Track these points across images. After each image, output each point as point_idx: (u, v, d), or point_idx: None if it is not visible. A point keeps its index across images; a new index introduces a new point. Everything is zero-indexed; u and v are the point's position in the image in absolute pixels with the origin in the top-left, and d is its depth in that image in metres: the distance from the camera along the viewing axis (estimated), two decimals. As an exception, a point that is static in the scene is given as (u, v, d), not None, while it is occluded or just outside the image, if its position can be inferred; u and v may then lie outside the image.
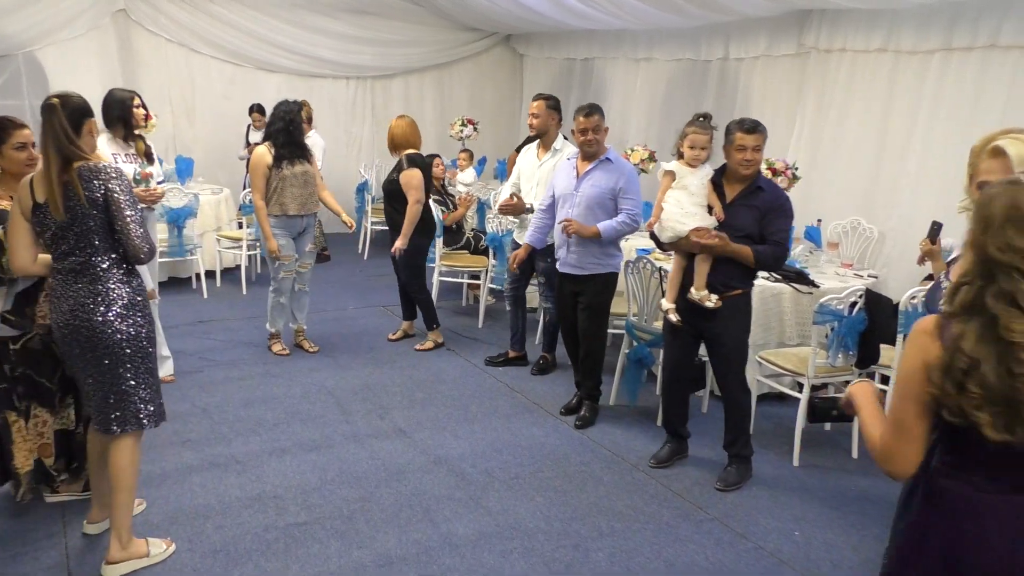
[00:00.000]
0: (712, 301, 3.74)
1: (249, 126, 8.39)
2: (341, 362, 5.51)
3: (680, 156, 3.82)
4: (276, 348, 5.60)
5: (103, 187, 2.85)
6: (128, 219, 2.88)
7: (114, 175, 2.89)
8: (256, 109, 8.17)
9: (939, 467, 1.78)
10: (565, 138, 5.18)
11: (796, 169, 5.53)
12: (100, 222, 2.87)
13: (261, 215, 5.31)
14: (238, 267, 7.32)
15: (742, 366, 3.95)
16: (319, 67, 9.41)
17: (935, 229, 3.91)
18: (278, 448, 4.19)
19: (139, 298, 3.00)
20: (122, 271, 2.97)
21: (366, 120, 9.92)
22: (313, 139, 7.76)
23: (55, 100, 2.83)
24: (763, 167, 5.10)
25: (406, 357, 5.67)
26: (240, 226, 7.40)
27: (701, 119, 3.82)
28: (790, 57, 6.61)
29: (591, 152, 4.45)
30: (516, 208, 5.13)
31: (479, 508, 3.68)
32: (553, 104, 5.13)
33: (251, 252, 7.33)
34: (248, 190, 6.25)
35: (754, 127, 3.66)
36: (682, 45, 7.75)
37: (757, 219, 3.67)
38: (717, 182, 3.79)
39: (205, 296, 6.93)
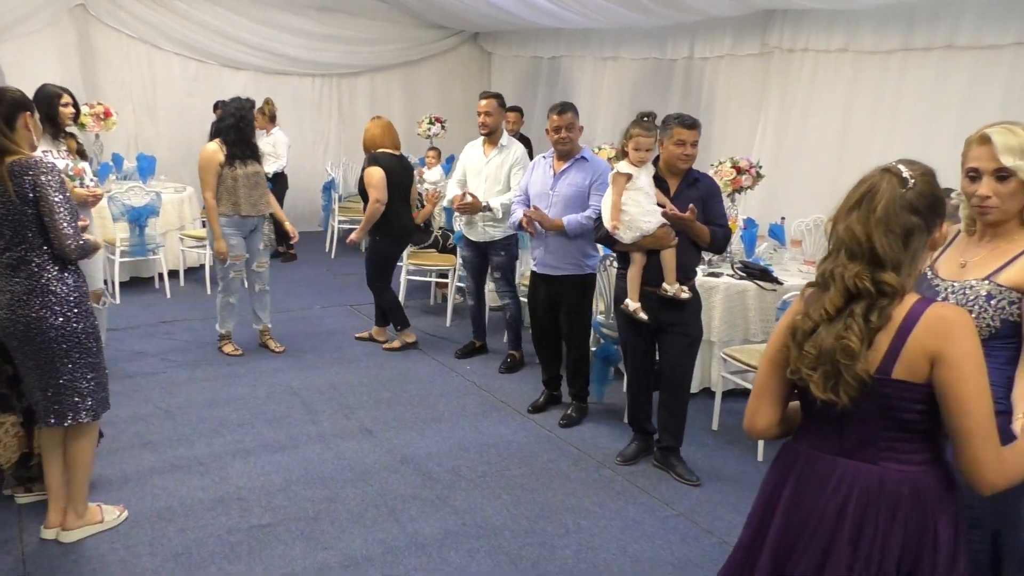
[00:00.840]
0: (686, 292, 3.82)
1: (213, 123, 8.26)
2: (307, 362, 5.46)
3: (625, 155, 3.83)
4: (227, 349, 5.53)
5: (33, 181, 2.86)
6: (57, 215, 2.89)
7: (45, 170, 2.89)
8: (221, 107, 8.05)
9: (797, 432, 1.91)
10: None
11: (760, 167, 5.58)
12: (32, 217, 2.89)
13: (212, 214, 5.23)
14: (202, 267, 7.23)
15: (693, 360, 4.09)
16: (285, 64, 9.31)
17: None
18: (242, 449, 4.14)
19: (76, 294, 3.03)
20: (58, 267, 2.99)
21: (332, 118, 9.84)
22: (277, 136, 7.71)
23: None
24: (728, 165, 5.18)
25: (373, 357, 5.63)
26: (203, 225, 7.29)
27: (645, 119, 3.83)
28: (754, 56, 6.69)
29: (565, 151, 4.43)
30: (474, 207, 5.10)
31: (446, 507, 3.67)
32: (502, 102, 5.20)
33: (219, 257, 7.20)
34: None
35: (693, 123, 3.77)
36: (648, 44, 7.80)
37: (699, 209, 3.75)
38: (658, 177, 3.84)
39: (168, 296, 6.83)
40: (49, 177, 2.88)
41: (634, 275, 3.93)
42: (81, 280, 3.08)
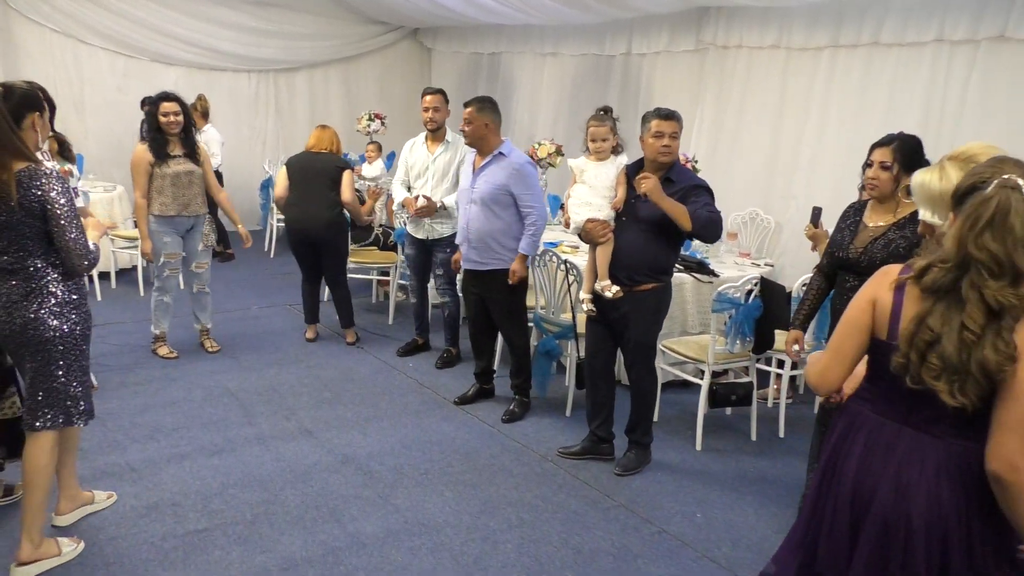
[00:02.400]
0: (611, 292, 3.79)
1: (143, 122, 8.02)
2: (245, 363, 5.36)
3: (586, 150, 3.88)
4: (162, 352, 5.39)
5: (42, 197, 2.76)
6: (68, 234, 2.81)
7: (55, 184, 2.79)
8: (150, 103, 7.82)
9: (857, 392, 2.03)
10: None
11: (696, 162, 5.69)
12: (36, 229, 2.81)
13: (140, 213, 5.13)
14: (134, 268, 7.03)
15: (648, 359, 3.99)
16: (219, 60, 9.10)
17: (816, 214, 4.09)
18: (177, 454, 4.04)
19: (75, 296, 2.97)
20: (58, 272, 2.92)
21: (270, 115, 9.66)
22: (209, 134, 7.52)
23: None
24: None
25: (314, 356, 5.55)
26: (135, 225, 7.09)
27: (602, 112, 3.87)
28: (690, 53, 6.79)
29: (475, 145, 4.47)
30: (431, 209, 5.04)
31: (387, 506, 3.64)
32: (446, 97, 5.15)
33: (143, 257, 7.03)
34: None
35: (670, 114, 3.70)
36: (587, 40, 7.85)
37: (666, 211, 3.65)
38: (631, 174, 3.79)
39: (99, 298, 6.62)
40: (59, 192, 2.79)
41: (587, 266, 3.96)
42: (80, 283, 3.02)
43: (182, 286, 5.61)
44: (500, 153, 4.42)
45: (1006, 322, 1.71)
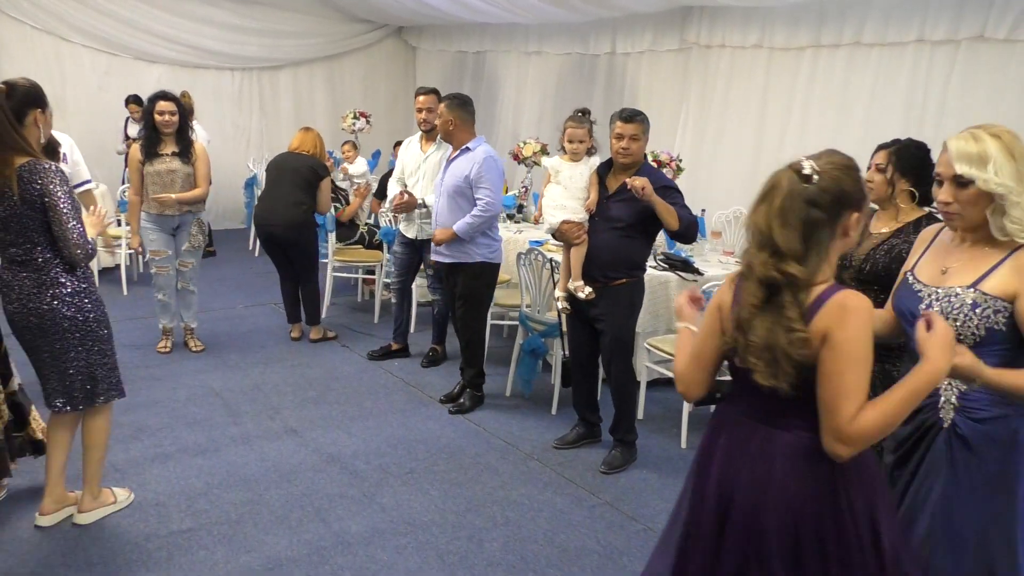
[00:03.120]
0: (584, 293, 3.83)
1: (128, 119, 8.00)
2: (230, 362, 5.34)
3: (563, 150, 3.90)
4: (159, 346, 5.46)
5: (42, 189, 2.87)
6: (68, 226, 2.92)
7: (55, 178, 2.90)
8: (133, 100, 7.80)
9: (728, 395, 2.04)
10: None
11: (681, 161, 5.71)
12: (38, 221, 2.93)
13: (132, 210, 5.23)
14: (118, 267, 6.98)
15: (625, 354, 4.02)
16: (203, 58, 9.06)
17: None
18: (161, 454, 4.02)
19: (84, 284, 3.08)
20: (63, 263, 3.03)
21: (254, 113, 9.62)
22: (195, 131, 7.46)
23: (1, 87, 2.83)
24: (649, 158, 5.25)
25: (299, 355, 5.54)
26: (119, 224, 7.05)
27: (580, 114, 3.89)
28: (673, 52, 6.83)
29: (445, 140, 4.59)
30: (409, 205, 5.07)
31: (373, 505, 3.64)
32: (440, 97, 5.12)
33: (131, 251, 6.98)
34: (126, 186, 6.00)
35: (631, 116, 3.71)
36: (572, 39, 7.88)
37: (638, 211, 3.70)
38: (602, 175, 3.85)
39: (82, 298, 6.56)
40: (59, 185, 2.90)
41: (563, 266, 3.99)
42: (88, 271, 3.15)
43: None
44: (467, 148, 4.47)
45: (785, 298, 1.75)
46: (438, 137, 5.10)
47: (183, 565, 3.12)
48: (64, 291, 3.02)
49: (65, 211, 2.91)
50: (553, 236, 3.97)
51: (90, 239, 3.05)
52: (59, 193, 2.90)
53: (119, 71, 8.57)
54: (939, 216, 2.96)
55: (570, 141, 3.82)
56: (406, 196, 5.05)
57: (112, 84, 8.47)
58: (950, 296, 2.09)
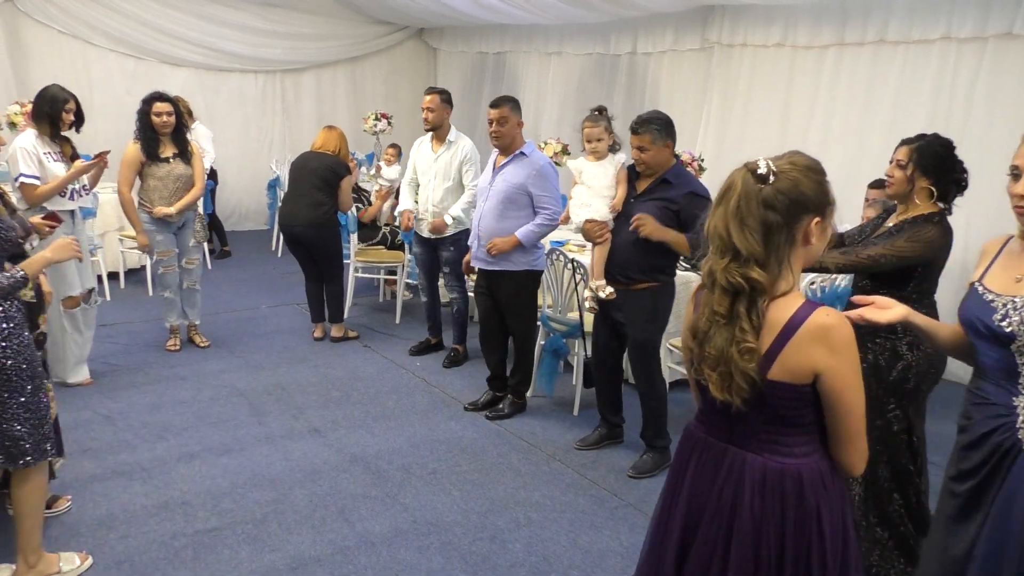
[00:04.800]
0: (604, 292, 3.83)
1: (137, 121, 8.05)
2: (253, 362, 5.38)
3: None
4: (168, 344, 5.53)
5: None
6: None
7: None
8: (144, 103, 7.84)
9: (696, 416, 1.96)
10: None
11: (703, 160, 5.69)
12: None
13: (128, 207, 5.20)
14: (143, 268, 7.06)
15: (649, 359, 3.96)
16: (227, 61, 9.14)
17: None
18: (186, 453, 4.07)
19: (7, 325, 2.68)
20: None
21: (276, 115, 9.70)
22: (198, 130, 7.51)
23: None
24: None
25: (321, 356, 5.58)
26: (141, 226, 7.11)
27: (595, 112, 3.89)
28: (695, 52, 6.80)
29: (501, 145, 4.42)
30: (438, 228, 5.09)
31: (396, 505, 3.66)
32: (446, 97, 5.16)
33: (137, 249, 7.05)
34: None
35: (636, 127, 3.66)
36: (592, 39, 7.87)
37: (665, 212, 3.66)
38: (631, 174, 3.83)
39: (108, 298, 6.65)
40: None
41: (589, 265, 3.99)
42: (15, 310, 2.73)
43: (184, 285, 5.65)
44: (521, 153, 4.41)
45: (740, 307, 1.66)
46: (446, 137, 5.14)
47: (209, 563, 3.16)
48: None
49: None
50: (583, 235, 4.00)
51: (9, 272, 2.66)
52: None
53: (145, 75, 8.65)
54: (948, 215, 2.94)
55: (588, 141, 3.83)
56: (426, 226, 5.11)
57: (138, 88, 8.49)
58: None
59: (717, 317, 1.69)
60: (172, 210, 5.15)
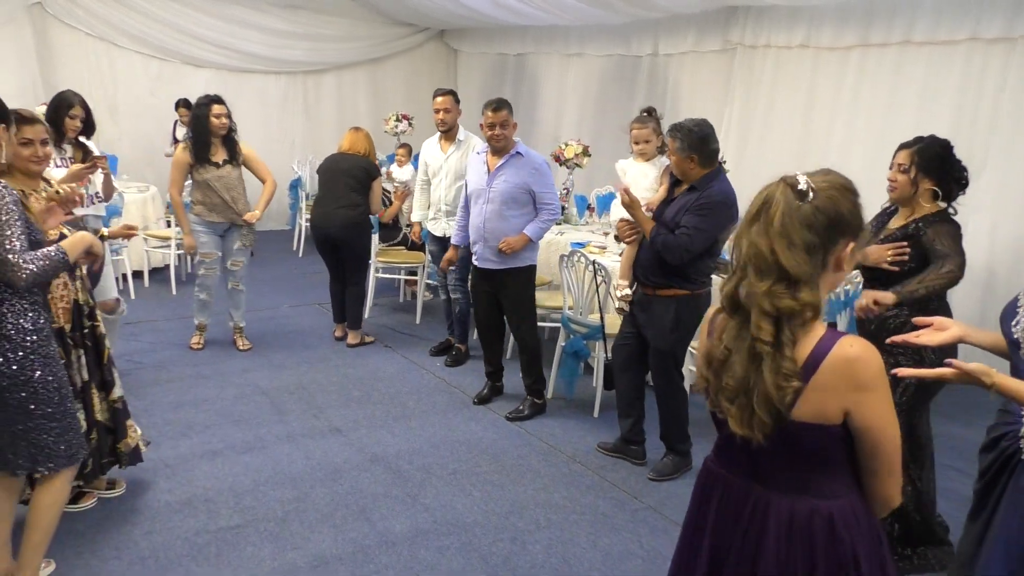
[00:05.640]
0: (621, 292, 3.86)
1: (176, 122, 8.17)
2: (275, 361, 5.42)
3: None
4: (192, 341, 5.58)
5: None
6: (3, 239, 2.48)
7: None
8: (183, 104, 7.95)
9: (714, 449, 1.85)
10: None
11: (725, 162, 5.64)
12: None
13: (178, 210, 5.33)
14: (167, 267, 7.14)
15: (670, 367, 3.90)
16: (249, 62, 9.22)
17: None
18: (209, 451, 4.10)
19: (35, 337, 2.65)
20: (18, 306, 2.62)
21: (298, 116, 9.77)
22: None
23: None
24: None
25: (342, 355, 5.61)
26: (168, 224, 7.21)
27: (644, 114, 3.92)
28: (717, 53, 6.76)
29: (499, 147, 4.43)
30: (452, 261, 5.05)
31: (416, 505, 3.67)
32: (457, 98, 5.21)
33: (180, 251, 7.14)
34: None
35: (669, 131, 3.63)
36: (613, 41, 7.85)
37: (686, 219, 3.65)
38: (674, 179, 3.82)
39: (133, 297, 6.73)
40: None
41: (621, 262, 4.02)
42: (44, 321, 2.72)
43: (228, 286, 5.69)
44: (517, 153, 4.44)
45: (785, 335, 1.52)
46: (456, 137, 5.16)
47: (231, 561, 3.18)
48: (8, 344, 2.59)
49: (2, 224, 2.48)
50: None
51: (40, 257, 2.56)
52: None
53: (168, 76, 8.77)
54: (953, 213, 3.00)
55: (636, 142, 3.87)
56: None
57: (161, 88, 8.67)
58: None
59: (760, 343, 1.53)
60: (258, 213, 5.28)
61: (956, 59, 5.11)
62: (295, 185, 8.77)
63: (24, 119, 3.00)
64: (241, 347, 5.59)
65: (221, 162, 5.18)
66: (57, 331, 3.05)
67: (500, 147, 4.42)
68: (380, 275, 6.58)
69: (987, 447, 2.14)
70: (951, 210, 3.05)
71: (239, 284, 5.53)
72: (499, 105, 4.37)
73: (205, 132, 5.12)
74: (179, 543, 3.29)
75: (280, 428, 4.41)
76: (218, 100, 5.16)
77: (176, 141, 7.88)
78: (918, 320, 1.97)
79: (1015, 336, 1.98)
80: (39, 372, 2.67)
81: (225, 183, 5.17)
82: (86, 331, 3.25)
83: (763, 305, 1.52)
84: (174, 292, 6.92)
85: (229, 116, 5.19)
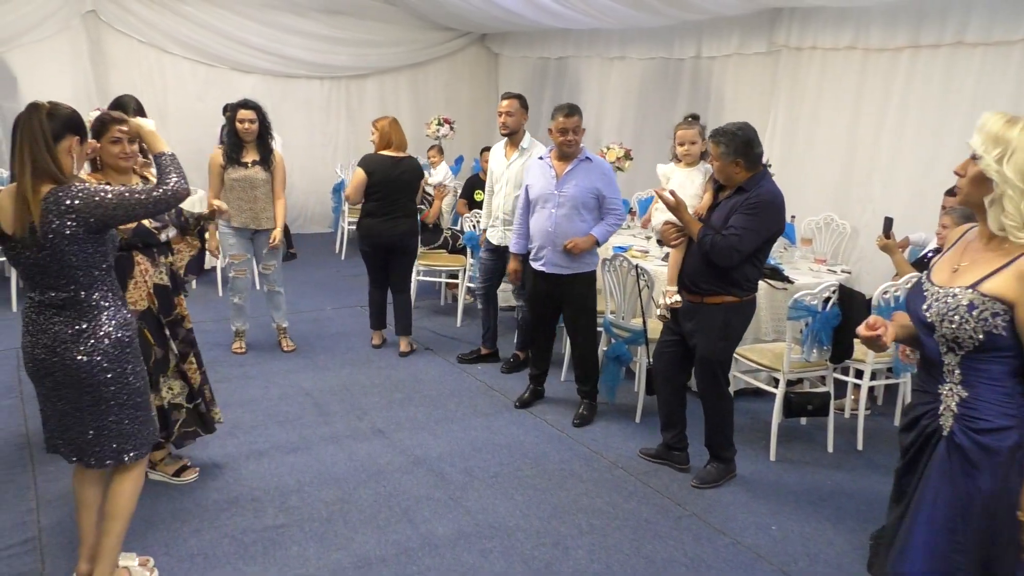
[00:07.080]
0: (670, 300, 3.81)
1: (223, 127, 8.29)
2: (319, 363, 5.49)
3: (675, 157, 3.92)
4: (233, 346, 5.65)
5: (71, 210, 2.53)
6: (121, 206, 2.60)
7: (81, 191, 2.56)
8: (230, 110, 8.09)
9: None
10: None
11: (769, 166, 5.56)
12: (76, 255, 2.60)
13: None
14: (213, 269, 7.26)
15: (716, 374, 3.84)
16: (293, 67, 9.35)
17: (887, 224, 3.97)
18: (255, 450, 4.17)
19: (128, 333, 2.79)
20: (113, 306, 2.75)
21: (341, 120, 9.88)
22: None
23: (45, 103, 2.64)
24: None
25: (385, 358, 5.65)
26: (216, 227, 7.32)
27: (690, 118, 3.90)
28: (761, 55, 6.67)
29: (570, 152, 4.43)
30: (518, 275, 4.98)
31: (458, 508, 3.68)
32: (524, 102, 5.15)
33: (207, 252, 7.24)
34: None
35: (712, 135, 3.62)
36: (655, 44, 7.79)
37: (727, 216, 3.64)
38: (718, 184, 3.79)
39: (180, 299, 6.85)
40: (77, 199, 2.55)
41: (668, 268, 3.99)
42: (131, 315, 2.86)
43: (258, 287, 5.78)
44: (586, 158, 4.45)
45: None
46: (520, 143, 5.14)
47: (278, 560, 3.23)
48: (108, 342, 2.70)
49: (106, 200, 2.58)
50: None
51: (169, 183, 2.73)
52: (92, 197, 2.56)
53: (216, 81, 8.93)
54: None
55: (680, 144, 3.84)
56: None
57: (209, 94, 8.82)
58: (948, 296, 2.02)
59: None
60: (278, 234, 5.34)
61: (1012, 61, 4.96)
62: (338, 188, 8.86)
63: (114, 119, 3.22)
64: (286, 348, 5.66)
65: (250, 163, 5.26)
66: (144, 312, 3.44)
67: (571, 152, 4.41)
68: (421, 278, 6.61)
69: (907, 427, 2.21)
70: None
71: (275, 286, 5.59)
72: (571, 111, 4.36)
73: (233, 135, 5.23)
74: (226, 541, 3.34)
75: (324, 429, 4.46)
76: (245, 105, 5.23)
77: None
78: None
79: (928, 319, 2.05)
80: (130, 366, 2.82)
81: (248, 182, 5.23)
82: (175, 311, 3.64)
83: None
84: (220, 294, 7.04)
85: (262, 120, 5.26)
